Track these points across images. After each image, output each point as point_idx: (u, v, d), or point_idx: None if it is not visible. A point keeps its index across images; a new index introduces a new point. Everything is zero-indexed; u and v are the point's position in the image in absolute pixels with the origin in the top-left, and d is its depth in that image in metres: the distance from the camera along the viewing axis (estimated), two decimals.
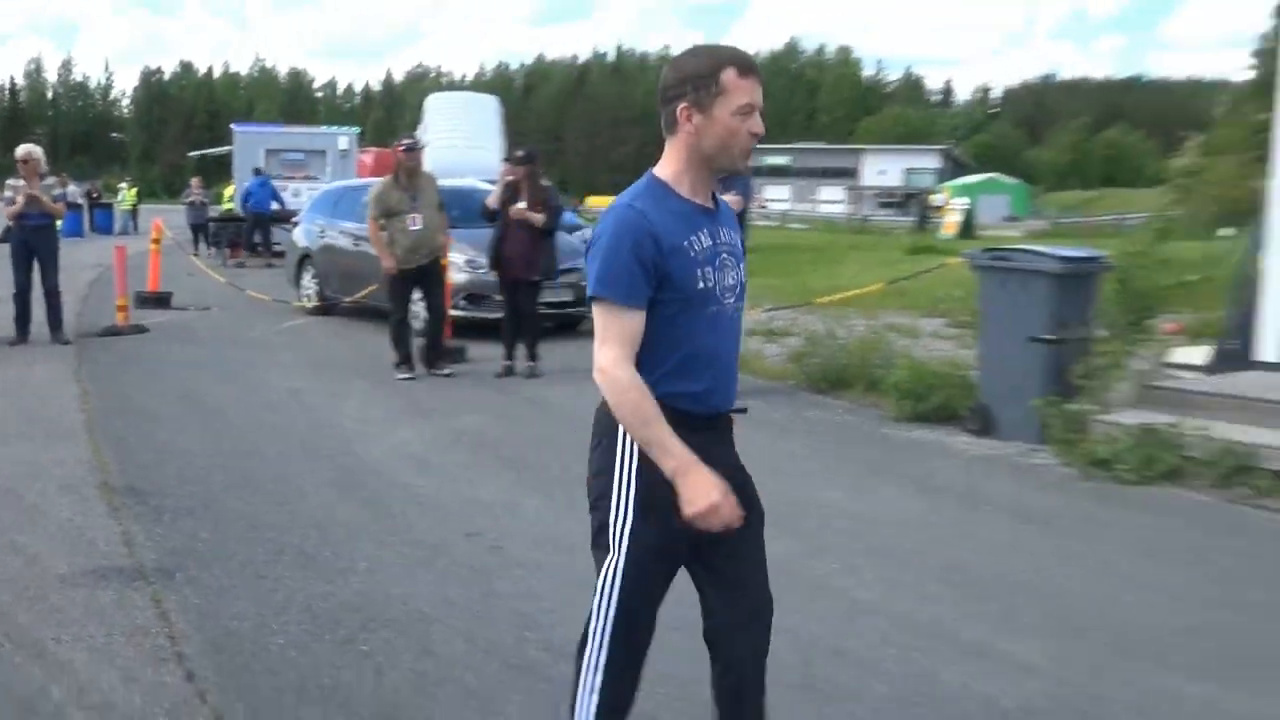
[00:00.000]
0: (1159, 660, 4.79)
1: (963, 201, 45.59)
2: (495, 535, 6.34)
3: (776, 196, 62.73)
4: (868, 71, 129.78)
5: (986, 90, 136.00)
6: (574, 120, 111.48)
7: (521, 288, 11.30)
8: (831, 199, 62.15)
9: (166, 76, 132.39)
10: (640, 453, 3.05)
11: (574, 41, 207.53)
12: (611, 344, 2.98)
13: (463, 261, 12.36)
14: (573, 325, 14.29)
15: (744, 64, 3.05)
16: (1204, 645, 4.97)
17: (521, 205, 11.00)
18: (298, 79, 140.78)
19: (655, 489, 3.01)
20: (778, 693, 4.40)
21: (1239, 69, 41.97)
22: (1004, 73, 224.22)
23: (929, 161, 65.61)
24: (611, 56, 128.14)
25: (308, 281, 16.41)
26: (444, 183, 11.84)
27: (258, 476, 7.54)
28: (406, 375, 11.08)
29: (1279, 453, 7.36)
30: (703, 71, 3.03)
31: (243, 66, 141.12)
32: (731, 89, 3.00)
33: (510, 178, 11.30)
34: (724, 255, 3.09)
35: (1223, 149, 25.41)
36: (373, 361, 11.80)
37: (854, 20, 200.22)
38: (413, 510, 6.87)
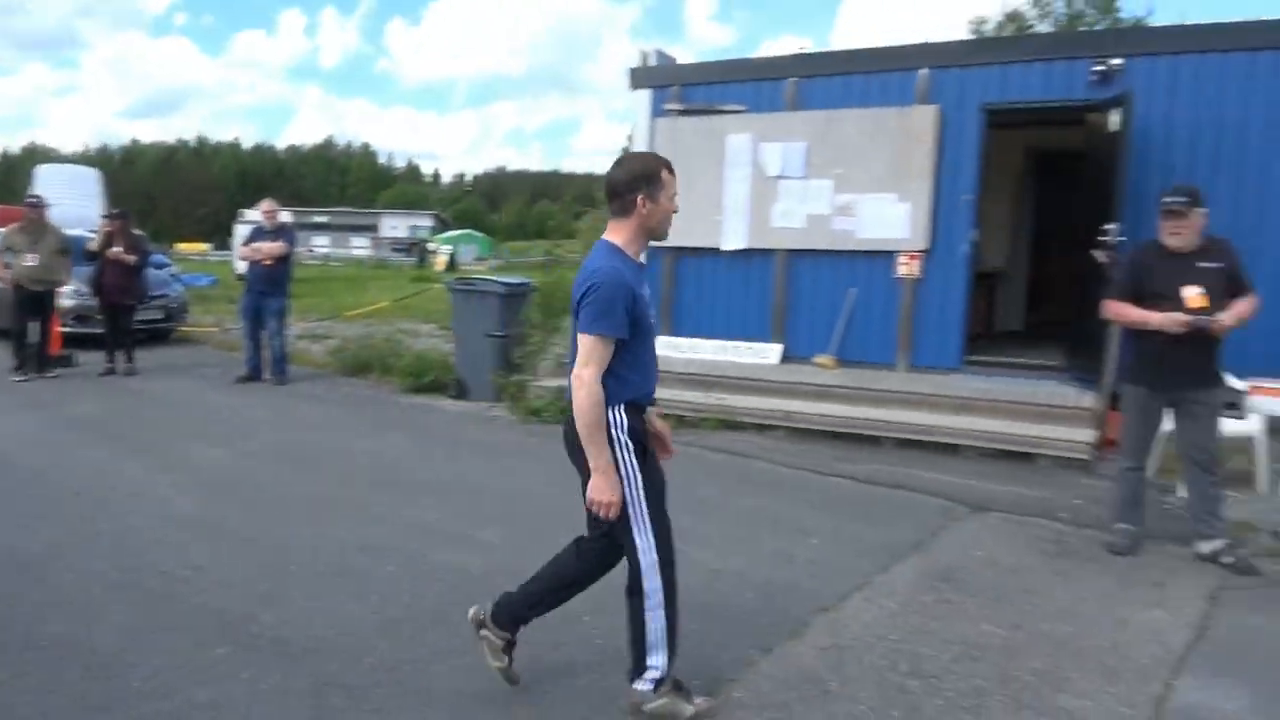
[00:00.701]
0: (571, 532, 5.02)
1: (448, 248, 45.65)
2: (99, 491, 5.57)
3: (320, 244, 59.82)
4: (382, 160, 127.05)
5: (462, 175, 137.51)
6: (165, 188, 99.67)
7: (119, 310, 10.14)
8: (360, 246, 59.99)
9: None
10: (629, 431, 2.95)
11: (165, 130, 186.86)
12: (595, 365, 2.86)
13: (71, 290, 10.77)
14: (163, 336, 12.82)
15: (669, 166, 3.03)
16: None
17: (117, 249, 9.96)
18: None
19: (641, 453, 2.99)
20: (320, 581, 4.25)
21: None
22: (473, 164, 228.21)
23: (426, 221, 64.93)
24: (194, 143, 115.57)
25: None
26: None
27: None
28: (22, 378, 9.48)
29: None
30: (649, 172, 2.98)
31: None
32: (666, 183, 3.00)
33: (108, 229, 10.25)
34: (649, 300, 3.04)
35: (607, 216, 27.35)
36: None
37: (373, 125, 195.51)
38: (30, 478, 5.88)
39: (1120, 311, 4.78)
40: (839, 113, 8.60)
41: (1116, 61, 7.48)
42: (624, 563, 3.12)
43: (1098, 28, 20.14)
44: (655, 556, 3.01)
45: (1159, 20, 20.54)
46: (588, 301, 2.88)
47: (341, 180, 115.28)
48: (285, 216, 11.31)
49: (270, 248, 9.42)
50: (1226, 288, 4.58)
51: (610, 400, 2.92)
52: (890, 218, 8.39)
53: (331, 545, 4.72)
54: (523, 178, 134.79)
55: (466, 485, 6.02)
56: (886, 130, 8.36)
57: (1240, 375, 5.52)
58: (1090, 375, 7.48)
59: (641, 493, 2.99)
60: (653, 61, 9.75)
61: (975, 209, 8.21)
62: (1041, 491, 6.02)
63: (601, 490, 2.91)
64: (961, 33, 23.26)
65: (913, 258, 8.34)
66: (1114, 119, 7.30)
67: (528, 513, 5.42)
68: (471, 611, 3.29)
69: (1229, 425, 5.33)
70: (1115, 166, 7.16)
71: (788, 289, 8.98)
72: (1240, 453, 6.02)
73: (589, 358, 2.87)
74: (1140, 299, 4.68)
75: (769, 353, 8.94)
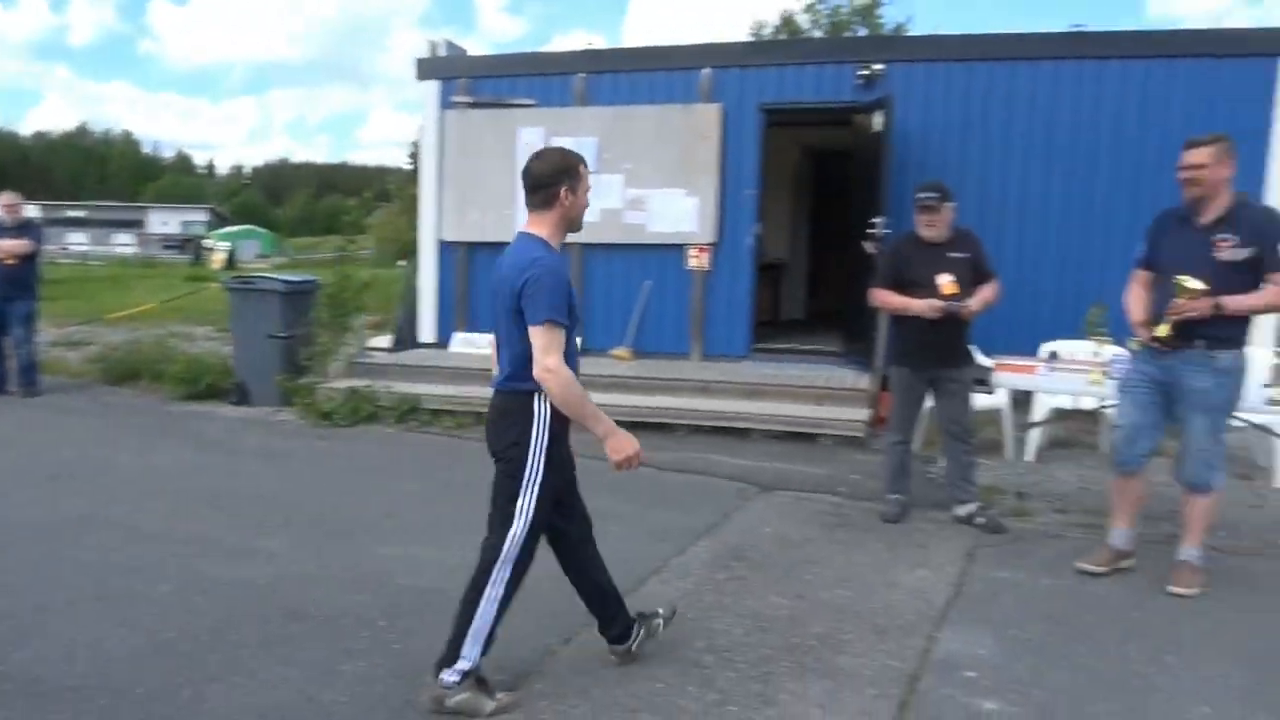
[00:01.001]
0: (364, 536, 4.90)
1: (226, 245, 42.85)
2: None
3: (77, 241, 54.29)
4: (147, 150, 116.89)
5: (240, 167, 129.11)
6: None
7: None
8: (125, 243, 54.92)
9: None
10: (549, 428, 3.02)
11: None
12: (556, 352, 2.90)
13: None
14: None
15: (586, 161, 3.15)
16: (391, 523, 5.15)
17: None
18: None
19: (556, 454, 3.05)
20: (83, 609, 3.89)
21: (404, 160, 43.98)
22: (252, 155, 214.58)
23: (201, 216, 60.32)
24: None
25: None
26: None
27: None
28: None
29: (432, 398, 7.89)
30: (570, 166, 3.06)
31: None
32: (584, 176, 3.10)
33: None
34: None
35: (397, 211, 26.50)
36: None
37: (135, 111, 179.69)
38: None
39: (885, 299, 5.18)
40: (628, 109, 8.79)
41: (878, 67, 8.09)
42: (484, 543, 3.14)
43: (861, 33, 21.65)
44: (519, 551, 3.07)
45: (917, 29, 22.35)
46: (532, 291, 2.91)
47: (100, 171, 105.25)
48: (30, 211, 10.19)
49: (12, 245, 8.47)
50: (974, 275, 5.06)
51: (538, 390, 2.99)
52: (680, 212, 8.68)
53: (95, 569, 4.33)
54: (307, 170, 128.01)
55: (249, 494, 5.69)
56: (673, 127, 8.63)
57: (988, 354, 6.12)
58: (864, 358, 8.05)
59: (536, 489, 3.05)
60: (442, 52, 9.58)
61: (758, 203, 8.64)
62: (823, 469, 6.42)
63: (620, 450, 3.01)
64: (745, 34, 24.35)
65: (702, 250, 8.67)
66: (877, 120, 7.89)
67: (316, 518, 5.19)
68: (616, 659, 3.42)
69: (980, 400, 5.91)
70: (879, 164, 7.74)
71: (584, 283, 9.08)
72: (991, 424, 6.68)
73: (549, 347, 2.91)
74: (901, 287, 5.09)
75: None
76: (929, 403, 5.38)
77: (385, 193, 27.06)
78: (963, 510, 5.21)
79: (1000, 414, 6.60)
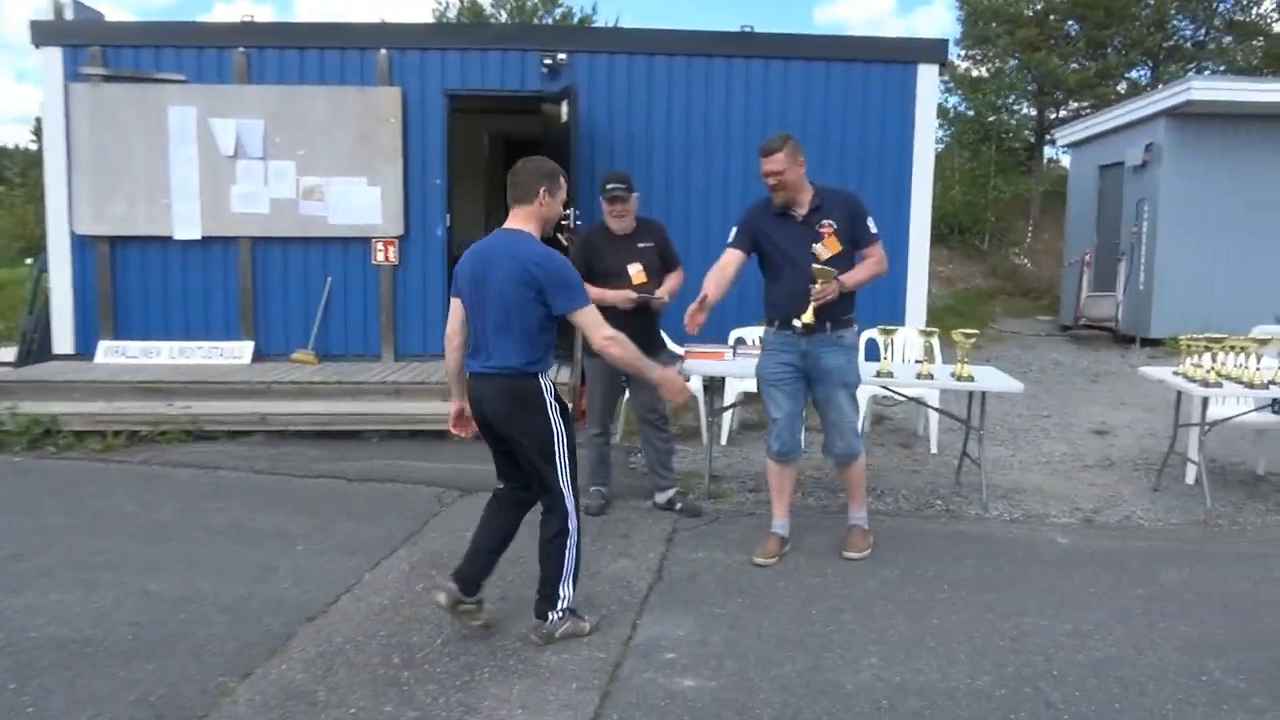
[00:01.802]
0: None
1: None
2: None
3: None
4: None
5: None
6: None
7: None
8: None
9: None
10: (555, 391, 3.58)
11: None
12: (602, 324, 3.50)
13: None
14: None
15: (565, 177, 3.69)
16: (24, 566, 4.50)
17: None
18: None
19: (563, 409, 3.60)
20: None
21: (28, 140, 38.78)
22: None
23: None
24: None
25: None
26: None
27: None
28: None
29: (74, 417, 7.03)
30: (554, 173, 3.62)
31: None
32: (564, 187, 3.68)
33: None
34: None
35: (22, 199, 23.30)
36: None
37: None
38: None
39: None
40: (298, 89, 8.36)
41: (562, 56, 8.31)
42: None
43: (546, 21, 22.11)
44: (576, 502, 3.63)
45: (601, 20, 23.14)
46: (561, 284, 3.43)
47: None
48: None
49: None
50: (661, 264, 5.35)
51: (544, 369, 3.56)
52: (362, 203, 8.39)
53: None
54: None
55: None
56: (351, 111, 8.33)
57: (679, 342, 6.49)
58: (566, 352, 8.24)
59: (566, 449, 3.59)
60: (70, 14, 8.55)
61: (448, 193, 8.55)
62: None
63: (674, 387, 3.79)
64: (428, 16, 23.93)
65: (389, 244, 8.44)
66: (564, 110, 8.09)
67: None
68: (443, 599, 3.65)
69: None
70: (569, 154, 7.95)
71: (256, 281, 8.53)
72: (688, 411, 7.11)
73: (596, 322, 3.49)
74: (593, 278, 5.26)
75: (240, 351, 8.42)
76: (626, 394, 5.62)
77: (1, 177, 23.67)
78: (662, 497, 5.50)
79: (696, 400, 7.04)
